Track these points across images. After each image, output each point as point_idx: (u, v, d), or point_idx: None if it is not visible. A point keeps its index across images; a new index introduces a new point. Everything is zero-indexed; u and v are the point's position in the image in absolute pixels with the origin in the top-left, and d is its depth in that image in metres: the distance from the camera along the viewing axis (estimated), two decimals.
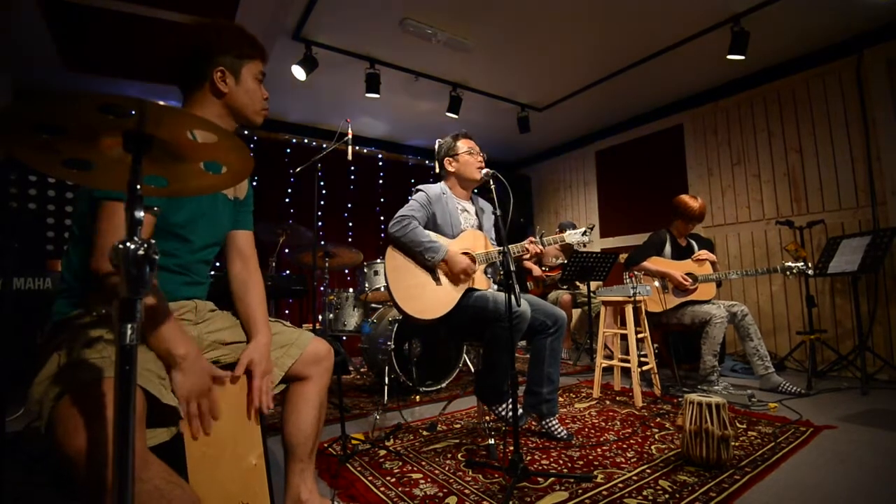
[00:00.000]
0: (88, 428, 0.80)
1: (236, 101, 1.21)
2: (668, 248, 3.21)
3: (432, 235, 2.13)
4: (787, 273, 2.93)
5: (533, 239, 2.16)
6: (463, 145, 2.29)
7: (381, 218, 5.57)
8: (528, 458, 1.89)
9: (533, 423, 2.23)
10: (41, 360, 0.96)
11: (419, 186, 2.27)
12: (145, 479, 0.81)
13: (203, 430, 1.02)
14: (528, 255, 2.16)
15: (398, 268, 2.10)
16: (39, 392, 0.89)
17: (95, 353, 0.90)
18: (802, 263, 2.92)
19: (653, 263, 3.14)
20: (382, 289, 3.32)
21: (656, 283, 3.11)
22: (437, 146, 2.38)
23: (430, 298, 2.06)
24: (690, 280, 3.04)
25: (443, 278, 2.11)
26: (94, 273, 0.95)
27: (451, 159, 2.31)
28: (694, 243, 3.30)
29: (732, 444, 1.77)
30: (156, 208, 0.79)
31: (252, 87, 1.22)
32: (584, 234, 2.23)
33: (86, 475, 0.78)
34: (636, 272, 3.05)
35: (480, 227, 2.34)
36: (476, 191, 2.42)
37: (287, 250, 3.52)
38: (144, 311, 0.92)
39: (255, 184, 1.46)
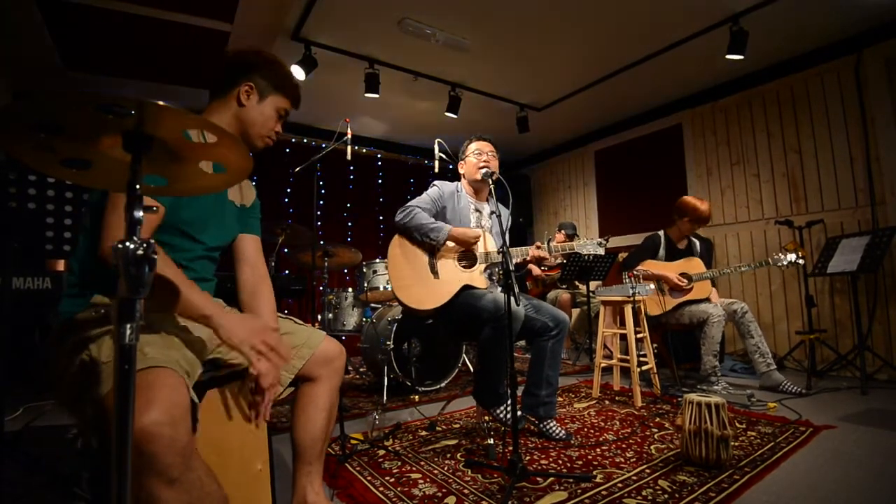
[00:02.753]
0: (139, 420, 0.80)
1: (248, 116, 1.25)
2: (662, 252, 3.21)
3: None
4: (780, 265, 2.92)
5: (540, 244, 2.16)
6: (473, 147, 2.32)
7: (381, 217, 5.58)
8: (528, 457, 1.89)
9: (531, 424, 2.23)
10: (59, 356, 0.96)
11: (435, 182, 2.32)
12: (193, 467, 0.83)
13: (283, 358, 1.09)
14: (529, 258, 2.17)
15: (400, 257, 2.16)
16: (72, 391, 0.91)
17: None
18: (794, 255, 2.92)
19: (647, 267, 3.14)
20: (381, 288, 3.32)
21: (652, 286, 3.11)
22: (436, 145, 2.38)
23: (427, 289, 2.11)
24: (685, 280, 3.05)
25: (441, 272, 2.14)
26: (101, 261, 0.97)
27: (462, 161, 2.37)
28: (697, 242, 3.30)
29: (732, 444, 1.78)
30: (155, 207, 0.79)
31: (268, 114, 1.28)
32: (598, 245, 2.21)
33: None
34: (636, 272, 3.05)
35: (492, 230, 2.35)
36: (492, 194, 2.44)
37: (286, 250, 3.51)
38: (165, 286, 0.96)
39: (254, 184, 1.50)
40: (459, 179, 2.41)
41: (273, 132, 1.31)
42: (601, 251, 2.21)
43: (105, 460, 0.96)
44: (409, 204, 2.19)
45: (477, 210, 2.34)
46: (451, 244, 2.17)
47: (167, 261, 1.02)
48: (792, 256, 2.92)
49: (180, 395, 0.85)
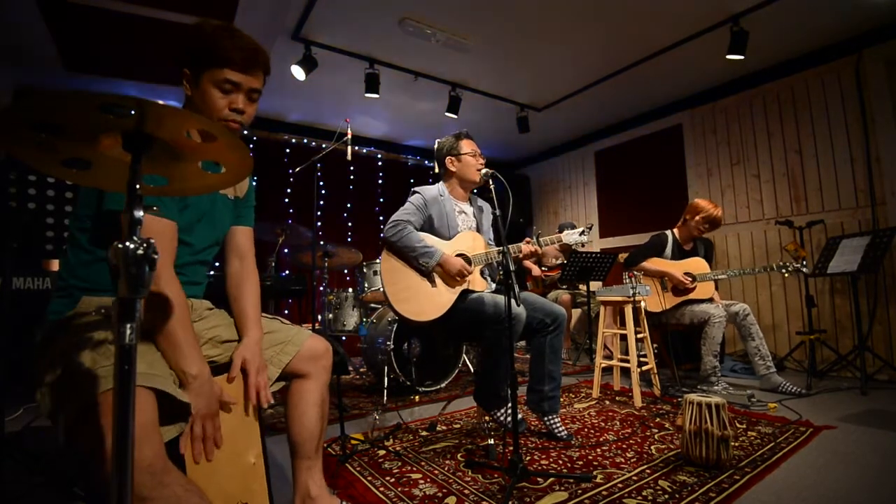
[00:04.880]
0: (108, 436, 0.81)
1: (193, 106, 1.15)
2: (668, 251, 3.21)
3: (427, 239, 2.12)
4: (783, 271, 2.94)
5: (529, 239, 2.16)
6: (466, 146, 2.28)
7: (381, 218, 5.57)
8: (528, 458, 1.89)
9: (533, 421, 2.23)
10: (43, 365, 0.95)
11: (416, 189, 2.27)
12: (167, 483, 0.82)
13: (206, 456, 1.01)
14: (522, 256, 2.16)
15: (393, 269, 2.10)
16: (51, 403, 0.90)
17: (106, 360, 0.90)
18: (799, 262, 2.93)
19: (652, 264, 3.15)
20: (381, 289, 3.32)
21: (649, 287, 3.11)
22: (436, 145, 2.37)
23: (425, 300, 2.06)
24: (690, 279, 3.05)
25: (438, 280, 2.11)
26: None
27: (453, 158, 2.29)
28: (701, 245, 3.29)
29: (732, 444, 1.78)
30: (155, 207, 0.79)
31: (210, 95, 1.12)
32: (581, 233, 2.22)
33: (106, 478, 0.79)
34: (636, 272, 3.05)
35: (479, 228, 2.34)
36: (475, 191, 2.42)
37: (286, 250, 3.51)
38: (165, 321, 0.95)
39: (254, 184, 1.49)
40: (440, 181, 2.36)
41: (226, 111, 1.13)
42: (585, 238, 2.21)
43: (85, 470, 0.94)
44: (396, 218, 2.11)
45: (462, 211, 2.32)
46: (444, 244, 2.16)
47: (184, 318, 1.01)
48: (796, 263, 2.94)
49: (144, 414, 0.84)
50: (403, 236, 2.07)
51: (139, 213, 0.66)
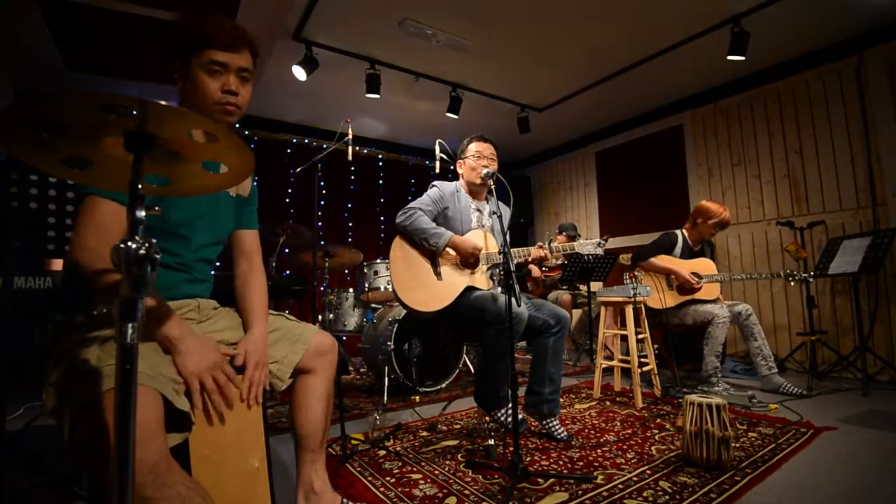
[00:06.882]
0: (111, 434, 0.80)
1: (188, 96, 1.13)
2: (677, 250, 3.21)
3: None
4: (790, 280, 2.96)
5: (542, 244, 2.16)
6: (473, 148, 2.29)
7: (382, 218, 5.58)
8: (528, 458, 1.89)
9: (533, 423, 2.23)
10: (49, 363, 0.95)
11: (435, 182, 2.31)
12: (170, 483, 0.81)
13: (222, 405, 1.01)
14: (532, 259, 2.16)
15: (402, 259, 2.15)
16: (55, 401, 0.90)
17: (110, 360, 0.89)
18: (805, 273, 2.95)
19: (660, 261, 3.14)
20: (382, 289, 3.32)
21: (649, 287, 3.11)
22: (437, 146, 2.38)
23: (430, 292, 2.09)
24: (696, 279, 3.04)
25: (444, 274, 2.13)
26: (70, 264, 0.95)
27: (461, 162, 2.34)
28: (706, 246, 3.29)
29: (733, 445, 1.77)
30: (157, 207, 0.79)
31: (201, 80, 1.10)
32: (597, 245, 2.20)
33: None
34: (636, 272, 3.04)
35: (493, 229, 2.34)
36: (493, 193, 2.43)
37: (287, 250, 3.51)
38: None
39: (255, 183, 1.51)
40: (458, 179, 2.40)
41: (219, 94, 1.11)
42: (600, 251, 2.20)
43: (85, 468, 0.92)
44: (409, 206, 2.17)
45: (478, 210, 2.33)
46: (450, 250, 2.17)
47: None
48: (803, 273, 2.96)
49: (149, 413, 0.84)
50: (415, 220, 2.12)
51: (141, 213, 0.66)
